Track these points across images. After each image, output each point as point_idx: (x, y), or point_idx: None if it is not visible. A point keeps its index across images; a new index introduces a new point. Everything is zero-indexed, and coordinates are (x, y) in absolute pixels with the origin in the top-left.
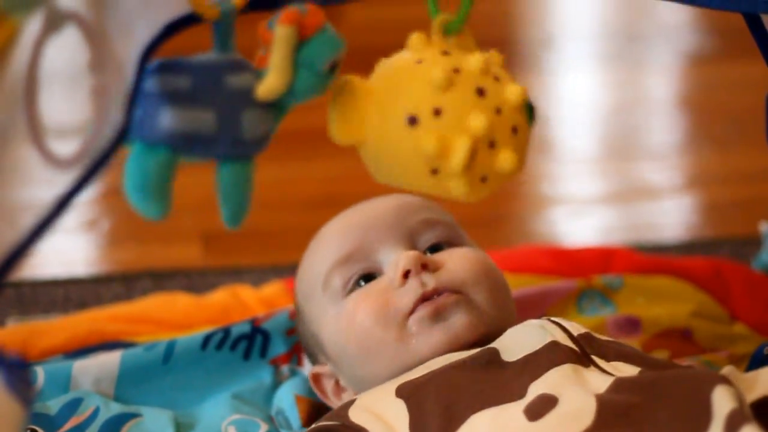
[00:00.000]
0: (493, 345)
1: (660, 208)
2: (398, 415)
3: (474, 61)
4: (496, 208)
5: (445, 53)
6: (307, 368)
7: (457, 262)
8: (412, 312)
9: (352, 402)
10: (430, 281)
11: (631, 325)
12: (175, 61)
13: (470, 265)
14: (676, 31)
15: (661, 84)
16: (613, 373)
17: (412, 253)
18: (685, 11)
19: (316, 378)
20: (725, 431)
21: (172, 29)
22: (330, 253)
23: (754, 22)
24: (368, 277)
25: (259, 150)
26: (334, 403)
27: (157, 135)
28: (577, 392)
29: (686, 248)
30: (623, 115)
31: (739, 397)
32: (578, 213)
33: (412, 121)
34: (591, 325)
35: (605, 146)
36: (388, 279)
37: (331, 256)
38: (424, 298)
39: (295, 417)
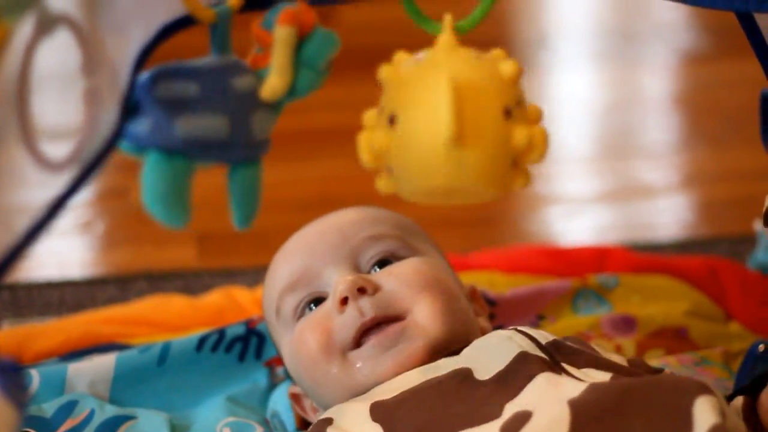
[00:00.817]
0: (464, 364)
1: (655, 207)
2: None
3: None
4: (491, 208)
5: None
6: None
7: (397, 279)
8: (354, 346)
9: (329, 421)
10: (369, 309)
11: (627, 324)
12: (179, 67)
13: (413, 278)
14: (670, 29)
15: (656, 83)
16: (585, 379)
17: (348, 279)
18: (679, 10)
19: (295, 397)
20: None
21: (168, 32)
22: (279, 280)
23: (746, 21)
24: (318, 300)
25: (266, 150)
26: (313, 419)
27: (172, 144)
28: (551, 403)
29: (681, 247)
30: (618, 113)
31: (722, 410)
32: (573, 212)
33: (508, 113)
34: (586, 324)
35: (600, 145)
36: (328, 306)
37: (279, 283)
38: (364, 329)
39: (290, 420)
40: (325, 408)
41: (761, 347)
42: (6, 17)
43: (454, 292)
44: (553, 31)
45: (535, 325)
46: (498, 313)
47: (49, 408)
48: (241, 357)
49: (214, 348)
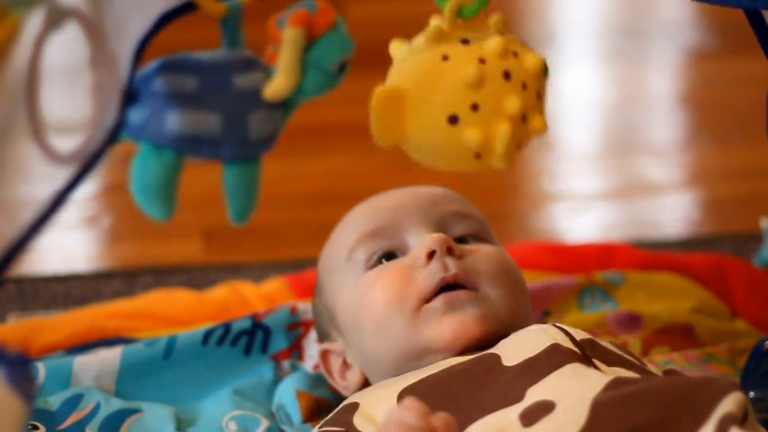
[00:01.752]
0: (495, 351)
1: (661, 204)
2: None
3: (494, 45)
4: (496, 204)
5: (465, 42)
6: (308, 363)
7: (481, 256)
8: (429, 298)
9: (355, 406)
10: (453, 266)
11: (632, 320)
12: (183, 59)
13: (493, 261)
14: (676, 27)
15: (662, 80)
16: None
17: (440, 235)
18: (686, 7)
19: (325, 355)
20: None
21: (166, 20)
22: (358, 227)
23: (754, 18)
24: (391, 255)
25: (265, 149)
26: (338, 382)
27: (162, 137)
28: (574, 394)
29: (687, 244)
30: (624, 111)
31: (746, 409)
32: (579, 209)
33: (453, 120)
34: (592, 320)
35: (606, 142)
36: (412, 257)
37: (358, 230)
38: (444, 283)
39: (296, 412)
40: (366, 363)
41: (767, 344)
42: (15, 11)
43: (525, 289)
44: (560, 29)
45: (541, 321)
46: None
47: (54, 401)
48: (247, 351)
49: (220, 341)
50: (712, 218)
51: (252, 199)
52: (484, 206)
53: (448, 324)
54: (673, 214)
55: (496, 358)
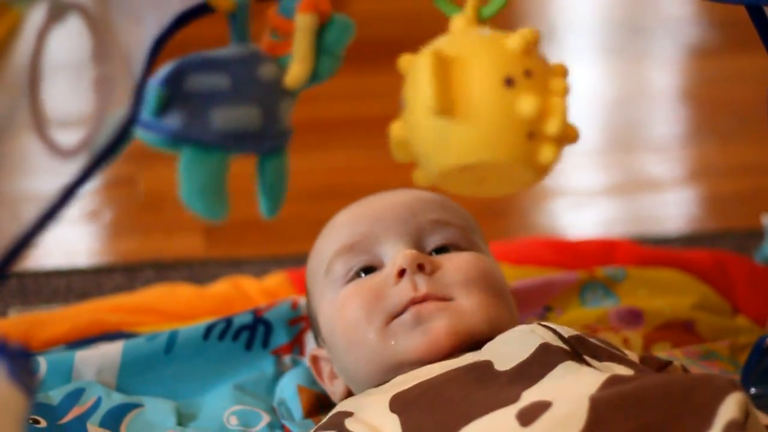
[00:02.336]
0: (486, 357)
1: (662, 200)
2: (393, 430)
3: (528, 32)
4: (497, 200)
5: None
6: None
7: (454, 266)
8: (399, 314)
9: (348, 414)
10: (423, 285)
11: (633, 316)
12: (205, 58)
13: (466, 270)
14: (678, 23)
15: (664, 77)
16: (606, 372)
17: (411, 253)
18: (687, 4)
19: (315, 360)
20: None
21: (183, 20)
22: (336, 240)
23: (756, 14)
24: (369, 269)
25: (290, 138)
26: (328, 387)
27: (209, 137)
28: (571, 393)
29: (688, 240)
30: (625, 107)
31: (748, 410)
32: (580, 205)
33: (509, 82)
34: (593, 316)
35: (607, 138)
36: (384, 274)
37: (336, 243)
38: (413, 304)
39: (297, 407)
40: (348, 377)
41: None
42: (18, 4)
43: (504, 291)
44: (561, 25)
45: (543, 316)
46: None
47: (56, 395)
48: (248, 345)
49: (221, 336)
50: (714, 214)
51: (284, 190)
52: (485, 202)
53: (417, 337)
54: (674, 210)
55: (488, 363)
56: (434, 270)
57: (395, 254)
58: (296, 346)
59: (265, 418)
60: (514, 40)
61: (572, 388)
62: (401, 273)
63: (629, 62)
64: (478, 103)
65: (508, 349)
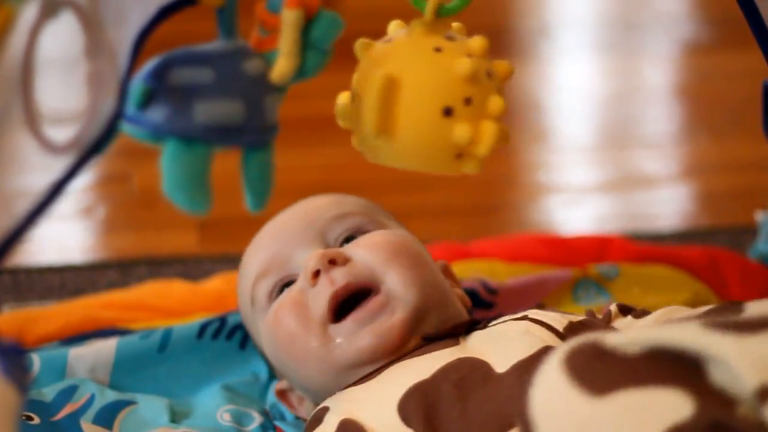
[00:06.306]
0: (482, 358)
1: (656, 197)
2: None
3: (479, 43)
4: (491, 196)
5: (450, 38)
6: None
7: (366, 249)
8: (332, 319)
9: (326, 409)
10: (340, 277)
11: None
12: (189, 53)
13: (381, 246)
14: (673, 20)
15: (658, 73)
16: None
17: (317, 252)
18: (681, 0)
19: (281, 394)
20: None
21: (166, 13)
22: (250, 270)
23: (750, 11)
24: (290, 283)
25: (276, 133)
26: (301, 413)
27: (191, 130)
28: None
29: (682, 237)
30: (619, 104)
31: None
32: (574, 202)
33: (448, 112)
34: None
35: (601, 135)
36: (300, 281)
37: (251, 273)
38: (337, 297)
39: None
40: (311, 394)
41: None
42: (10, 0)
43: (423, 259)
44: (555, 21)
45: None
46: (498, 301)
47: (49, 392)
48: (242, 345)
49: (215, 335)
50: (707, 211)
51: (270, 185)
52: (478, 198)
53: (365, 338)
54: (668, 206)
55: (486, 365)
56: (347, 259)
57: (305, 259)
58: None
59: (257, 419)
60: (462, 66)
61: None
62: (316, 275)
63: (624, 59)
64: (414, 130)
65: (504, 350)
